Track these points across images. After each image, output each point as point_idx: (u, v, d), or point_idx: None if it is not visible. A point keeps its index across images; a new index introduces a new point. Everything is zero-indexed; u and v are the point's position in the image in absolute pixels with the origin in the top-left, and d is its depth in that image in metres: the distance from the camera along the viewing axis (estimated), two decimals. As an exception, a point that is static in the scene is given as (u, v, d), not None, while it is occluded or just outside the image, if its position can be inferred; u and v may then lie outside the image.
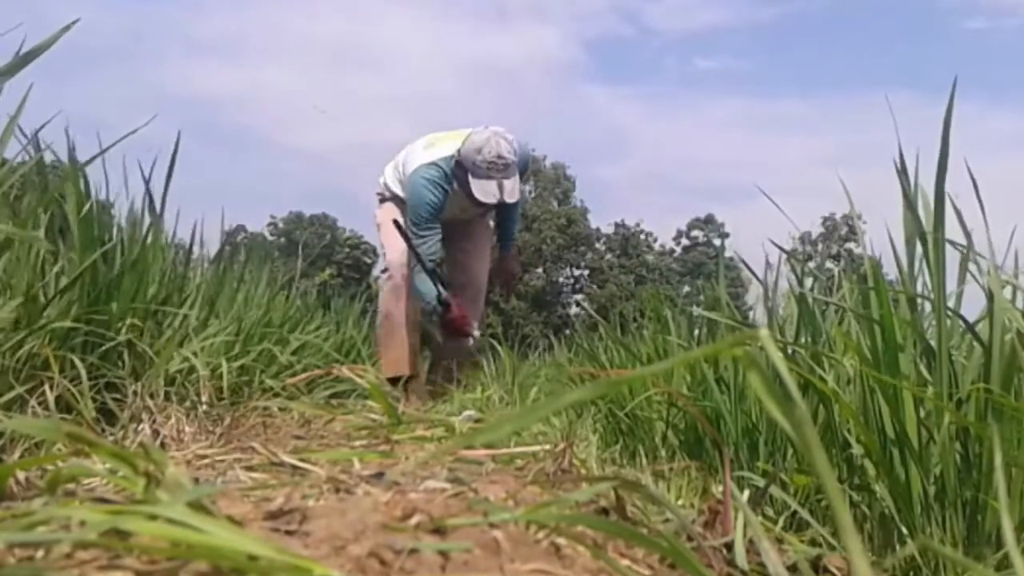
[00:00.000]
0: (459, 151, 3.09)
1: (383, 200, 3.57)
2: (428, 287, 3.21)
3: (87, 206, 1.58)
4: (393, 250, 3.38)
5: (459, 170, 3.09)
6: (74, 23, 1.18)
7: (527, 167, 3.40)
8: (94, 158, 1.62)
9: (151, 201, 1.86)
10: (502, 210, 3.55)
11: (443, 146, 3.20)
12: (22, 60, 1.16)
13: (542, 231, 30.20)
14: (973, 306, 1.05)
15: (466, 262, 3.62)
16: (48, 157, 1.69)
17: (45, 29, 1.17)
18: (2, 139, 1.34)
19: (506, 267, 3.81)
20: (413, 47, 52.73)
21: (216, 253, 2.71)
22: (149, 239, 1.85)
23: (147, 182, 1.85)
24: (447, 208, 3.24)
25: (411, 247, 3.14)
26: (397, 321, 3.39)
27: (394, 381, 3.32)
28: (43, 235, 1.54)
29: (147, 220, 1.86)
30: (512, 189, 3.05)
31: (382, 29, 52.02)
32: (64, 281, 1.49)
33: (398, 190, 3.44)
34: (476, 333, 3.32)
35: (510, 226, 3.73)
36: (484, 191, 3.01)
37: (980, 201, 1.01)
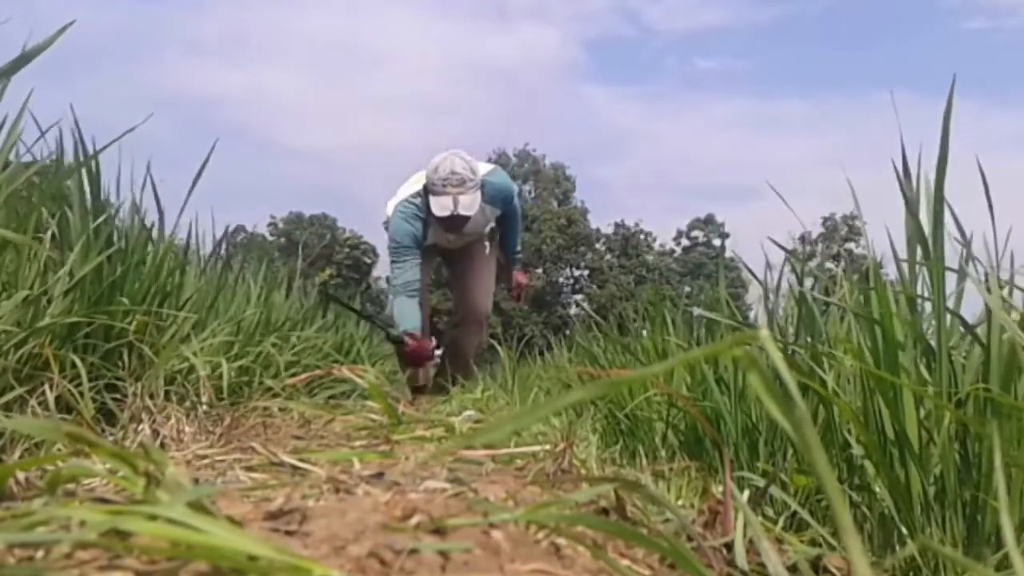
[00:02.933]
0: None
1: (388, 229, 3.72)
2: (402, 316, 3.33)
3: (92, 206, 1.59)
4: None
5: (425, 196, 3.26)
6: (70, 24, 1.19)
7: (510, 200, 3.53)
8: (94, 155, 1.62)
9: (159, 207, 1.89)
10: (499, 228, 3.71)
11: (418, 182, 3.36)
12: (20, 60, 1.16)
13: (542, 231, 30.19)
14: (973, 306, 1.05)
15: (466, 292, 3.75)
16: (47, 155, 1.68)
17: (44, 30, 1.17)
18: (5, 145, 1.34)
19: (515, 277, 3.94)
20: (413, 47, 52.71)
21: (213, 252, 2.71)
22: (157, 240, 1.86)
23: (153, 187, 1.86)
24: (432, 237, 3.41)
25: (362, 316, 3.45)
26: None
27: (414, 390, 3.48)
28: (49, 237, 1.54)
29: (148, 222, 1.87)
30: (468, 203, 3.15)
31: (382, 29, 52.01)
32: (67, 282, 1.48)
33: None
34: (435, 358, 3.47)
35: (510, 242, 3.85)
36: (440, 206, 3.15)
37: (989, 201, 1.02)
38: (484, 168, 3.39)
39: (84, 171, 1.60)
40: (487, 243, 3.83)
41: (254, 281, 2.92)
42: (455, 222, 3.21)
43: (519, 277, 3.96)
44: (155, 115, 1.57)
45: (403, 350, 3.37)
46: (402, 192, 3.47)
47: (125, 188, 1.87)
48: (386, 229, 3.68)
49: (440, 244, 3.55)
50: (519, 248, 3.96)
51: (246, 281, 2.81)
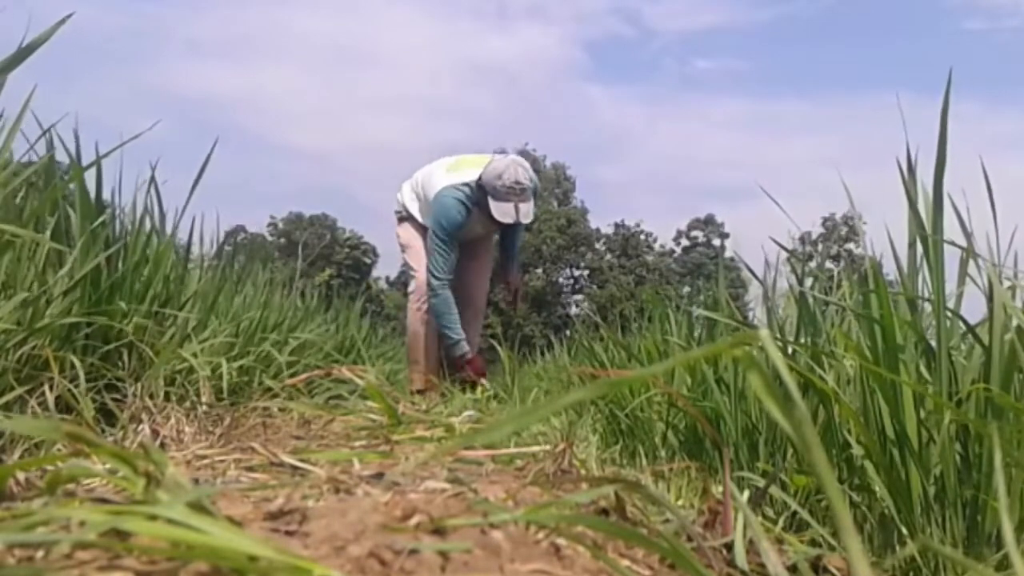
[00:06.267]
0: (481, 175, 3.38)
1: (401, 219, 3.79)
2: (453, 325, 3.49)
3: (92, 206, 1.58)
4: (421, 271, 3.59)
5: (479, 192, 3.40)
6: (69, 16, 1.19)
7: (536, 191, 3.68)
8: (97, 160, 1.62)
9: (160, 205, 1.89)
10: (507, 231, 3.84)
11: (466, 170, 3.49)
12: (19, 55, 1.16)
13: (542, 231, 30.17)
14: (973, 307, 1.05)
15: (468, 280, 3.85)
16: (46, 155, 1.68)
17: (43, 29, 1.17)
18: (5, 143, 1.34)
19: (509, 278, 4.06)
20: (413, 47, 52.63)
21: (215, 253, 2.71)
22: (158, 241, 1.86)
23: (157, 188, 1.86)
24: (466, 229, 3.52)
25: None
26: (429, 344, 3.67)
27: (420, 391, 3.55)
28: (49, 236, 1.54)
29: (151, 222, 1.87)
30: (527, 211, 3.39)
31: (382, 29, 51.97)
32: (67, 282, 1.48)
33: (415, 210, 3.67)
34: (485, 383, 3.53)
35: (513, 247, 4.01)
36: (503, 212, 3.33)
37: (992, 200, 1.02)
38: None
39: (86, 173, 1.60)
40: (491, 241, 3.94)
41: (254, 282, 2.92)
42: (512, 225, 3.43)
43: (514, 280, 4.05)
44: (154, 115, 1.58)
45: (467, 363, 3.52)
46: (437, 179, 3.52)
47: (125, 189, 1.88)
48: (400, 219, 3.75)
49: (462, 236, 3.65)
50: (517, 255, 4.07)
51: (247, 282, 2.81)
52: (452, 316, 3.47)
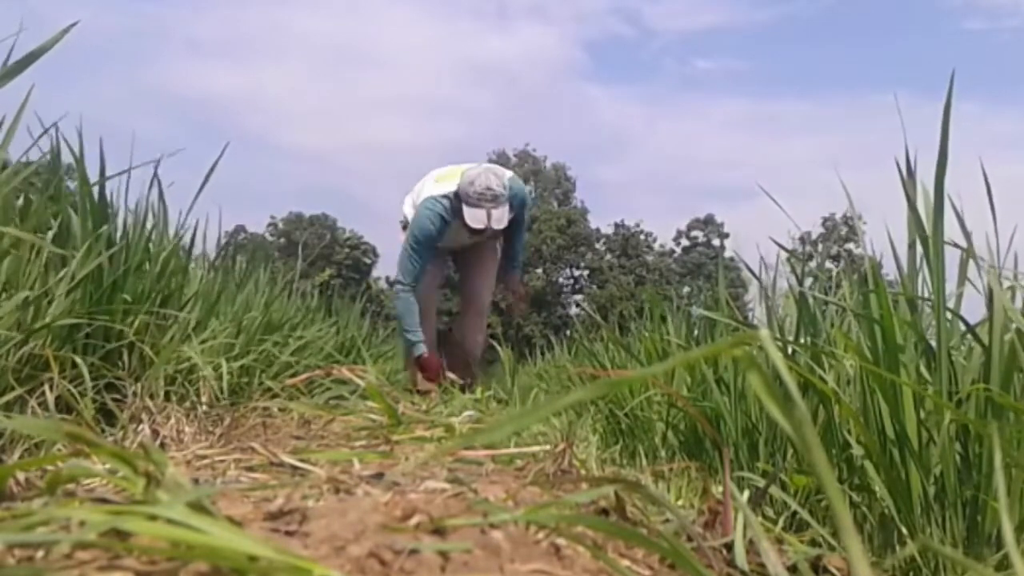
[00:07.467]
0: (457, 184, 3.47)
1: (404, 228, 3.90)
2: (411, 317, 3.58)
3: (96, 207, 1.58)
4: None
5: (456, 201, 3.49)
6: (73, 25, 1.18)
7: (524, 205, 3.78)
8: (109, 176, 1.62)
9: (163, 205, 1.90)
10: (508, 236, 3.93)
11: (450, 181, 3.57)
12: (21, 63, 1.16)
13: (542, 231, 30.18)
14: (973, 307, 1.05)
15: (471, 284, 3.99)
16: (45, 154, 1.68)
17: (43, 29, 1.17)
18: (3, 142, 1.34)
19: (512, 284, 4.15)
20: (413, 47, 52.64)
21: (216, 253, 2.71)
22: (160, 241, 1.87)
23: (157, 184, 1.86)
24: (453, 237, 3.63)
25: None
26: (428, 344, 3.76)
27: (420, 391, 3.56)
28: (51, 237, 1.54)
29: (153, 222, 1.87)
30: (499, 216, 3.44)
31: (382, 29, 51.98)
32: (69, 282, 1.48)
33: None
34: (438, 380, 3.59)
35: (515, 251, 4.09)
36: (474, 217, 3.41)
37: (991, 200, 1.02)
38: (506, 175, 3.60)
39: (87, 171, 1.59)
40: (496, 244, 4.00)
41: (255, 282, 2.92)
42: (484, 230, 3.49)
43: (514, 285, 4.12)
44: (155, 115, 1.60)
45: (421, 364, 3.61)
46: (426, 190, 3.63)
47: (125, 188, 1.88)
48: (404, 228, 3.85)
49: (453, 246, 3.74)
50: (519, 260, 4.14)
51: (248, 282, 2.81)
52: (411, 319, 3.58)
